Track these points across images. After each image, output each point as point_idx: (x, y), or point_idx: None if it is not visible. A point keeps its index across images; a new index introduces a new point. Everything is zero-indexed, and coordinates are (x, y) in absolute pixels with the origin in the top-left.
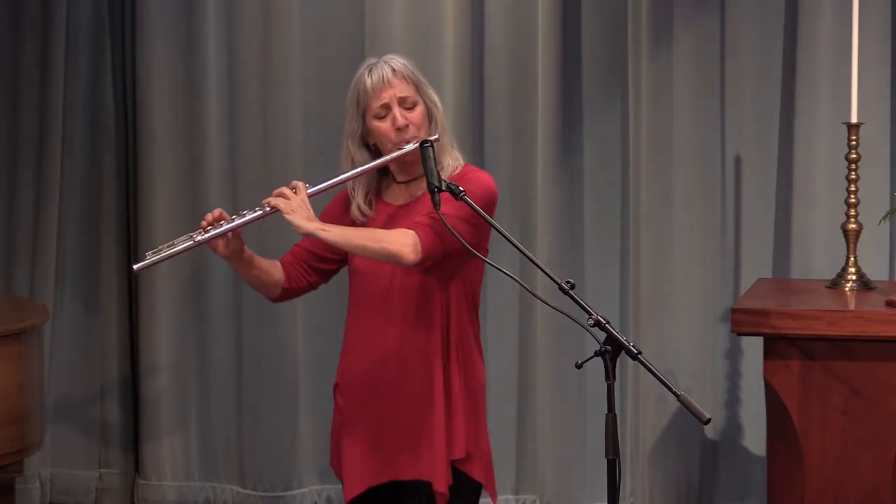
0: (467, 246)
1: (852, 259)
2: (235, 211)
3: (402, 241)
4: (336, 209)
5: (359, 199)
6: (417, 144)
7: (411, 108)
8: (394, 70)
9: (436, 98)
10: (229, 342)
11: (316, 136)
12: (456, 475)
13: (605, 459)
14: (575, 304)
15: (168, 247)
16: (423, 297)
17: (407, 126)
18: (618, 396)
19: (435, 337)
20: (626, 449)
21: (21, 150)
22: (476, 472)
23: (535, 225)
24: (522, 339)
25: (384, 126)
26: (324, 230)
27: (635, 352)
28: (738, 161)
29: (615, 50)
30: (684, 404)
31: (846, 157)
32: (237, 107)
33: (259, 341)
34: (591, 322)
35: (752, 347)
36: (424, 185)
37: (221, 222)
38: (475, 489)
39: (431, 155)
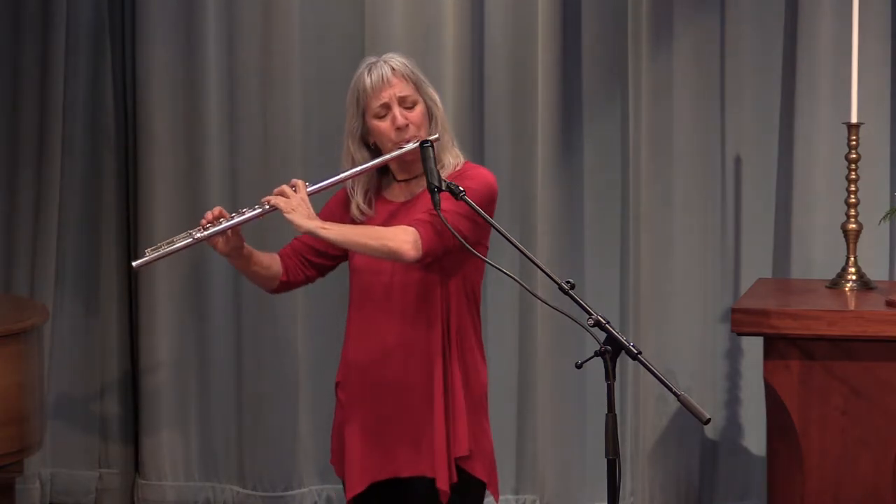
0: (467, 246)
1: (852, 259)
2: (235, 210)
3: (403, 238)
4: (335, 207)
5: (358, 199)
6: (417, 144)
7: (411, 107)
8: (393, 69)
9: (436, 96)
10: (229, 342)
11: (316, 136)
12: (459, 473)
13: (605, 459)
14: (575, 304)
15: (167, 244)
16: (423, 293)
17: (407, 125)
18: (618, 396)
19: (435, 333)
20: (626, 449)
21: (21, 150)
22: (478, 471)
23: (535, 225)
24: (522, 339)
25: (384, 125)
26: (324, 228)
27: (635, 352)
28: (738, 161)
29: (615, 50)
30: (684, 404)
31: (846, 157)
32: (237, 107)
33: (259, 341)
34: (591, 322)
35: (752, 347)
36: (424, 183)
37: (221, 220)
38: (478, 487)
39: (431, 155)
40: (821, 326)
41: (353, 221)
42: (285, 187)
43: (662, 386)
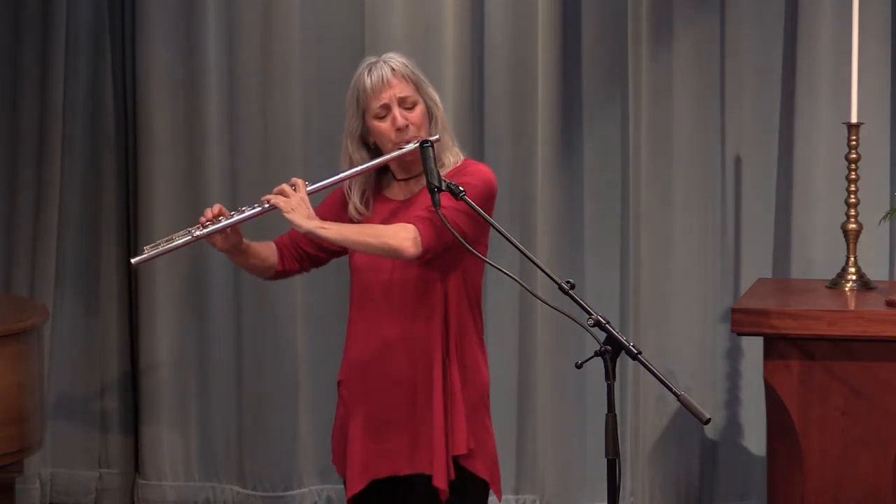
0: (467, 246)
1: (852, 259)
2: (234, 209)
3: (403, 236)
4: (334, 206)
5: (355, 199)
6: (417, 144)
7: (411, 107)
8: (393, 70)
9: (436, 96)
10: (229, 342)
11: (316, 136)
12: (460, 472)
13: (605, 459)
14: (575, 304)
15: (166, 241)
16: (423, 289)
17: (407, 126)
18: (618, 396)
19: (434, 330)
20: (626, 449)
21: (21, 150)
22: (480, 470)
23: (535, 225)
24: (522, 339)
25: (384, 126)
26: (323, 228)
27: (635, 352)
28: (738, 161)
29: (615, 50)
30: (684, 404)
31: (846, 157)
32: (237, 107)
33: (259, 341)
34: (591, 322)
35: (752, 347)
36: (424, 182)
37: (220, 218)
38: (480, 486)
39: (431, 155)
40: (821, 326)
41: (351, 221)
42: (285, 186)
43: (662, 386)
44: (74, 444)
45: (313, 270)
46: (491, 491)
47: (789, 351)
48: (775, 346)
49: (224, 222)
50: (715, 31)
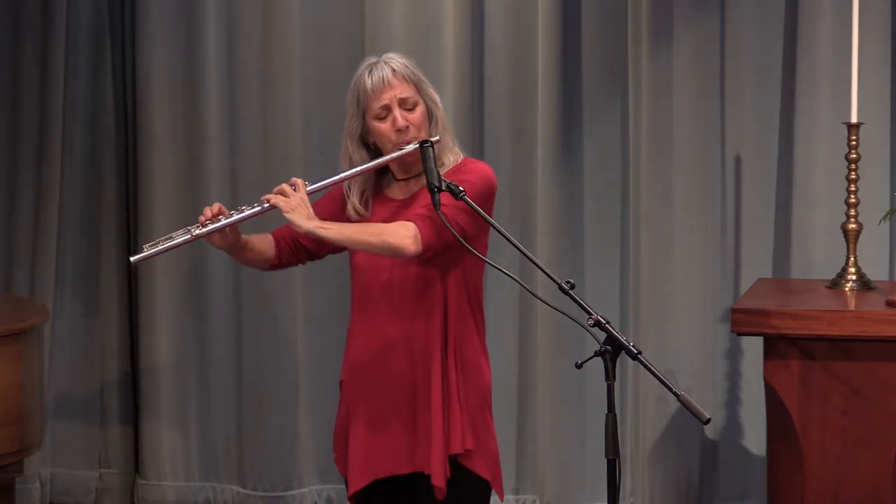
0: (467, 246)
1: (852, 259)
2: (234, 209)
3: (403, 234)
4: (332, 206)
5: (354, 200)
6: (417, 145)
7: (412, 108)
8: (394, 71)
9: (436, 97)
10: (229, 342)
11: (316, 136)
12: (462, 471)
13: (605, 459)
14: (575, 304)
15: (166, 240)
16: (422, 289)
17: (407, 127)
18: (618, 396)
19: (434, 329)
20: (626, 449)
21: (21, 150)
22: (482, 469)
23: (535, 225)
24: (522, 339)
25: (384, 127)
26: (323, 228)
27: (635, 352)
28: (738, 161)
29: (615, 50)
30: (684, 404)
31: (846, 157)
32: (237, 107)
33: (259, 341)
34: (591, 322)
35: (752, 347)
36: (423, 181)
37: (220, 217)
38: (481, 486)
39: (431, 155)
40: (821, 326)
41: (349, 220)
42: (285, 186)
43: (662, 386)
44: (74, 444)
45: (313, 271)
46: (493, 491)
47: (789, 351)
48: (775, 346)
49: (223, 221)
50: (715, 31)
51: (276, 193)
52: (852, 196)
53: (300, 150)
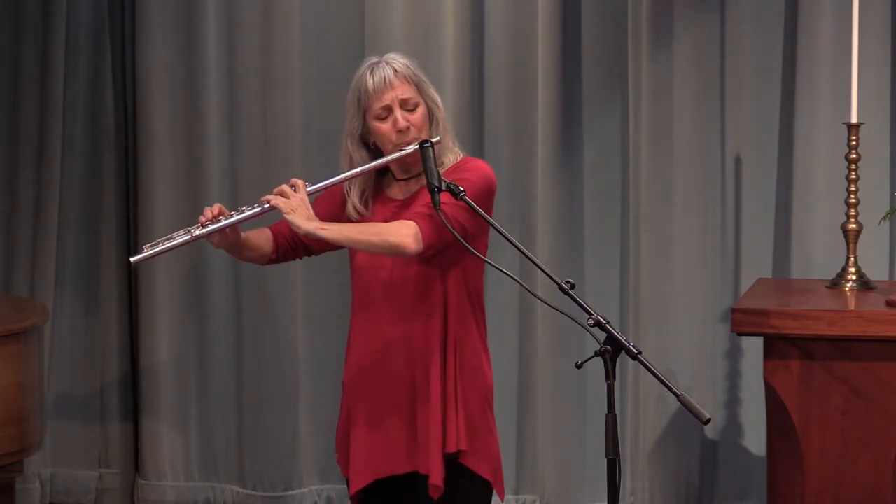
0: (467, 246)
1: (852, 259)
2: (234, 209)
3: (404, 232)
4: (332, 205)
5: (354, 199)
6: (418, 146)
7: (413, 109)
8: (396, 71)
9: (437, 98)
10: (229, 342)
11: (316, 136)
12: (462, 471)
13: (605, 459)
14: (575, 304)
15: (166, 240)
16: (422, 288)
17: (408, 128)
18: (618, 396)
19: (434, 329)
20: (626, 449)
21: (21, 150)
22: (483, 470)
23: (535, 225)
24: (522, 339)
25: (385, 127)
26: (323, 229)
27: (635, 352)
28: (738, 161)
29: (615, 50)
30: (684, 404)
31: (846, 157)
32: (237, 107)
33: (259, 341)
34: (591, 322)
35: (752, 347)
36: (423, 181)
37: (220, 218)
38: (482, 486)
39: (431, 155)
40: (821, 326)
41: (349, 219)
42: (285, 187)
43: (662, 386)
44: (74, 444)
45: (313, 271)
46: (494, 491)
47: (789, 351)
48: (775, 346)
49: (223, 222)
50: (715, 31)
51: (277, 194)
52: (852, 196)
53: (300, 150)
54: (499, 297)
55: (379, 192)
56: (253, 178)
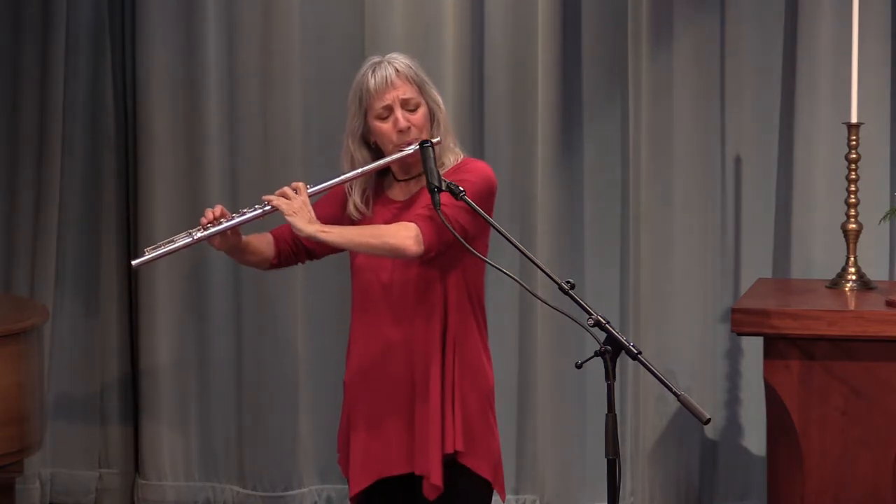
0: (467, 246)
1: (852, 259)
2: (235, 210)
3: (404, 235)
4: (334, 208)
5: (355, 198)
6: (418, 146)
7: (414, 109)
8: (397, 71)
9: (439, 98)
10: (229, 342)
11: (316, 136)
12: (462, 471)
13: (605, 459)
14: (575, 304)
15: (167, 243)
16: (422, 289)
17: (409, 128)
18: (618, 396)
19: (434, 329)
20: (626, 449)
21: (21, 150)
22: (483, 470)
23: (535, 225)
24: (522, 339)
25: (386, 127)
26: (324, 232)
27: (635, 352)
28: (738, 161)
29: (615, 50)
30: (684, 404)
31: (846, 157)
32: (237, 107)
33: (259, 341)
34: (591, 322)
35: (752, 347)
36: (424, 182)
37: (221, 220)
38: (483, 486)
39: (431, 155)
40: (821, 326)
41: (350, 220)
42: (287, 189)
43: (662, 386)
44: (74, 444)
45: (313, 271)
46: (494, 491)
47: (789, 351)
48: (775, 346)
49: (225, 224)
50: (715, 31)
51: (278, 196)
52: (852, 196)
53: (300, 150)
54: (499, 297)
55: (380, 193)
56: (253, 178)
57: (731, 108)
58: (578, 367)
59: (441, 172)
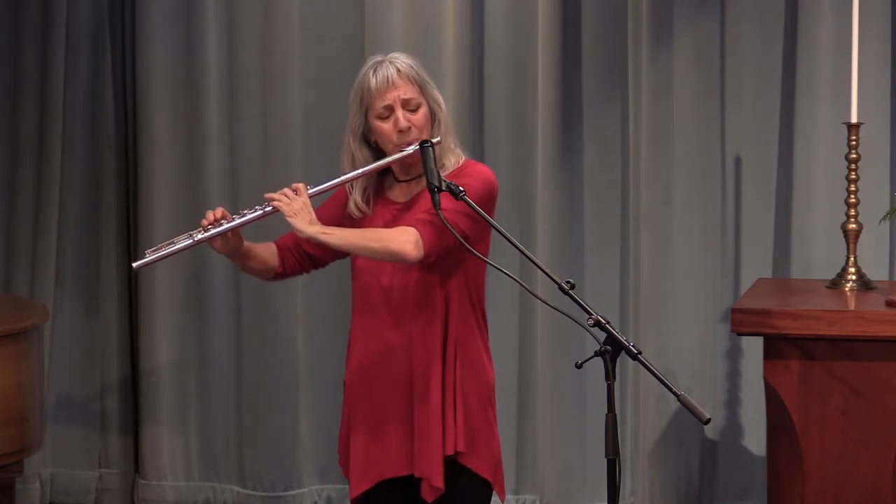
0: (468, 246)
1: (852, 259)
2: (235, 211)
3: (404, 239)
4: (335, 210)
5: (356, 197)
6: (418, 146)
7: (415, 110)
8: (399, 71)
9: (440, 99)
10: (229, 342)
11: (316, 136)
12: (462, 471)
13: (605, 459)
14: (575, 304)
15: (168, 245)
16: (423, 292)
17: (409, 128)
18: (618, 396)
19: (434, 332)
20: (626, 449)
21: (21, 150)
22: (483, 470)
23: (535, 225)
24: (522, 339)
25: (386, 127)
26: (325, 233)
27: (635, 352)
28: (738, 161)
29: (615, 50)
30: (684, 404)
31: (846, 157)
32: (237, 107)
33: (259, 341)
34: (591, 322)
35: (752, 347)
36: (424, 183)
37: (222, 221)
38: (483, 486)
39: (432, 155)
40: (821, 326)
41: (351, 219)
42: (287, 190)
43: (662, 386)
44: (74, 444)
45: (314, 272)
46: (494, 491)
47: (789, 351)
48: (775, 346)
49: (225, 226)
50: (715, 31)
51: (278, 197)
52: (852, 196)
53: (300, 150)
54: (499, 297)
55: (380, 194)
56: (253, 178)
57: (731, 108)
58: (578, 367)
59: (442, 174)
